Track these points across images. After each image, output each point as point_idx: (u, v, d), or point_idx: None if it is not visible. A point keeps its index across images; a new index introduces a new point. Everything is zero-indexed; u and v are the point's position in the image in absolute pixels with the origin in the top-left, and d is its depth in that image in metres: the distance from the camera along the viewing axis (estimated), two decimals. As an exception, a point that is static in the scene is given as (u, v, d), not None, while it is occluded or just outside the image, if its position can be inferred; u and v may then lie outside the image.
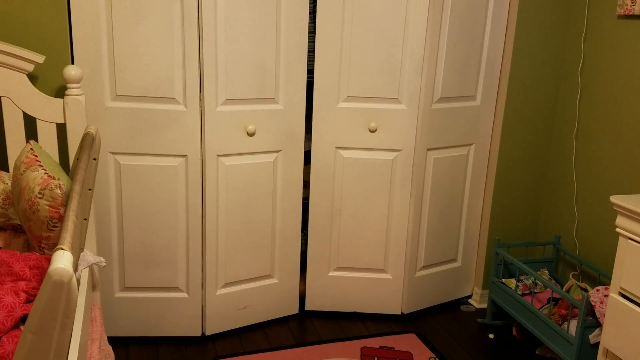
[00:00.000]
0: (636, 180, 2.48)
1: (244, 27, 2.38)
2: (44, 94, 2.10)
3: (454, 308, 3.05)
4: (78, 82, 2.08)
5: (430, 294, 2.99)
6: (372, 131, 2.66)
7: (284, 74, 2.52)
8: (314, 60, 2.59)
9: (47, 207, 1.66)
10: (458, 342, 2.72)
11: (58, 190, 1.66)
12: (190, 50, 2.31)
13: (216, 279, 2.61)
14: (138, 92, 2.32)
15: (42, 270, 1.59)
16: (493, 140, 2.90)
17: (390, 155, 2.70)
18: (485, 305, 3.04)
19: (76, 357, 1.44)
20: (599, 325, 2.23)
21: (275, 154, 2.61)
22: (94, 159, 1.90)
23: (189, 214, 2.49)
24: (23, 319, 1.46)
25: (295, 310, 2.89)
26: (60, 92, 2.25)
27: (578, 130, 2.78)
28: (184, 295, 2.59)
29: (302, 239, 2.85)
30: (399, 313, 2.93)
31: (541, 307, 2.54)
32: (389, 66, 2.59)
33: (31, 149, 1.85)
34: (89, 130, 2.00)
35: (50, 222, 1.67)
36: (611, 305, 1.96)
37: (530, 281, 2.71)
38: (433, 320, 2.91)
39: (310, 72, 2.66)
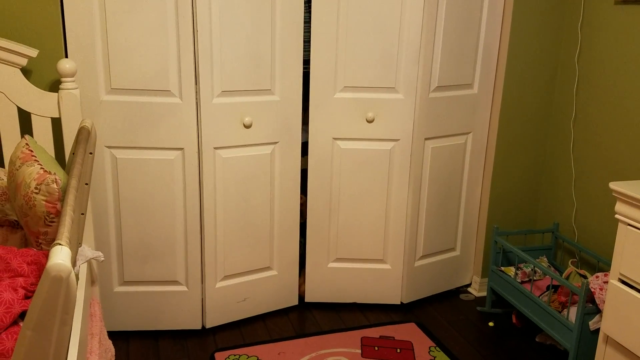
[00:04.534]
0: (635, 167, 2.47)
1: (239, 17, 2.36)
2: (38, 89, 2.08)
3: (453, 297, 3.05)
4: (72, 75, 2.06)
5: (430, 284, 2.99)
6: (370, 121, 2.64)
7: (279, 64, 2.50)
8: (309, 51, 2.58)
9: (44, 203, 1.65)
10: (458, 331, 2.72)
11: (54, 185, 1.65)
12: (185, 41, 2.29)
13: (215, 272, 2.60)
14: (133, 85, 2.30)
15: (40, 266, 1.58)
16: (491, 129, 2.89)
17: (388, 145, 2.69)
18: (484, 294, 3.05)
19: (76, 353, 1.43)
20: (598, 311, 2.24)
21: (272, 146, 2.59)
22: (90, 153, 1.89)
23: (187, 207, 2.48)
24: (22, 315, 1.45)
25: (294, 301, 2.89)
26: (54, 86, 2.23)
27: (576, 117, 2.78)
28: (184, 288, 2.58)
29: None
30: (399, 303, 2.93)
31: (540, 295, 2.54)
32: (386, 55, 2.57)
33: (26, 144, 1.84)
34: (84, 124, 1.98)
35: (47, 218, 1.66)
36: (611, 291, 1.97)
37: (530, 269, 2.71)
38: (433, 310, 2.91)
39: (307, 62, 2.64)
